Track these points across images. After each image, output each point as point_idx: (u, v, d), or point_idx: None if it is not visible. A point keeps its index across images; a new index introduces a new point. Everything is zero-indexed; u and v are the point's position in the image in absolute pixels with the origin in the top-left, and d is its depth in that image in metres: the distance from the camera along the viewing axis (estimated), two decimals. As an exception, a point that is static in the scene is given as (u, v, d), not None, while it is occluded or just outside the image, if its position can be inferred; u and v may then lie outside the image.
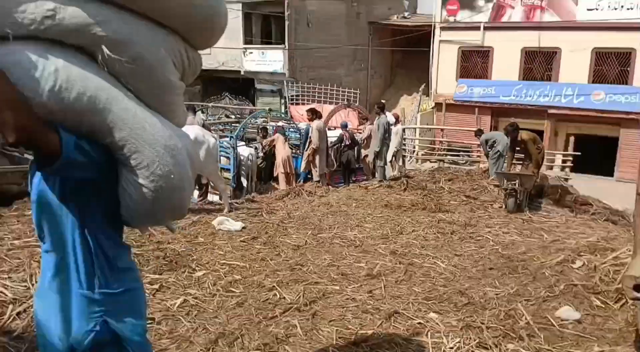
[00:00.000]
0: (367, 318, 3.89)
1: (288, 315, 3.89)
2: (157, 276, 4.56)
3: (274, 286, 4.42)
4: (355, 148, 11.93)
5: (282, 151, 11.01)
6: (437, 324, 3.82)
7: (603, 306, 4.23)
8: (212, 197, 11.54)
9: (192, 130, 6.98)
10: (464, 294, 4.41)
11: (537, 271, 4.94)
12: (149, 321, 3.67)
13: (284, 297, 4.21)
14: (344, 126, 11.94)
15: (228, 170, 11.46)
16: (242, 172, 11.50)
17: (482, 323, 3.80)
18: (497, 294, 4.41)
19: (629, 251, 5.01)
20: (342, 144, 11.62)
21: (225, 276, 4.65)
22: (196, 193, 9.74)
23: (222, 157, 11.81)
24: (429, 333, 3.67)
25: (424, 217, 7.30)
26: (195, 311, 3.92)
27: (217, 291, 4.30)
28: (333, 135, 12.20)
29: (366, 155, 11.88)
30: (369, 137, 12.03)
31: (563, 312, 4.05)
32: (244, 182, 11.52)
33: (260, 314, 3.89)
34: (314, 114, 10.87)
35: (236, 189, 11.41)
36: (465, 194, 8.80)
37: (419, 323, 3.83)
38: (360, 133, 12.85)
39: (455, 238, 6.22)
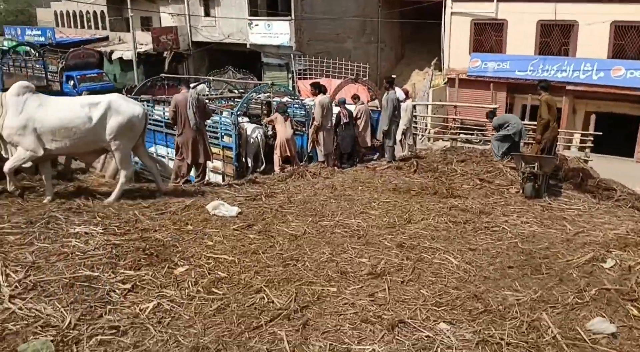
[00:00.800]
0: (367, 329, 3.36)
1: (275, 324, 3.37)
2: (132, 273, 4.05)
3: (262, 287, 3.89)
4: (354, 127, 11.17)
5: (282, 132, 10.15)
6: (448, 337, 3.29)
7: (641, 316, 3.67)
8: (215, 177, 10.98)
9: (108, 97, 6.37)
10: (480, 299, 3.86)
11: (562, 271, 4.37)
12: (113, 330, 3.17)
13: (272, 301, 3.68)
14: (342, 102, 11.12)
15: (230, 148, 10.84)
16: (249, 151, 10.83)
17: (502, 338, 3.26)
18: (517, 300, 3.85)
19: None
20: (342, 124, 10.79)
21: (209, 274, 4.13)
22: (193, 172, 9.20)
23: (225, 136, 11.19)
24: (438, 349, 3.15)
25: (435, 203, 6.71)
26: (169, 317, 3.41)
27: (197, 293, 3.78)
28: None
29: (358, 137, 11.23)
30: (360, 118, 11.31)
31: (595, 324, 3.49)
32: (250, 161, 10.88)
33: (243, 322, 3.38)
34: (318, 89, 10.19)
35: (239, 168, 10.80)
36: (479, 177, 8.16)
37: (427, 336, 3.29)
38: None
39: (469, 228, 5.63)
